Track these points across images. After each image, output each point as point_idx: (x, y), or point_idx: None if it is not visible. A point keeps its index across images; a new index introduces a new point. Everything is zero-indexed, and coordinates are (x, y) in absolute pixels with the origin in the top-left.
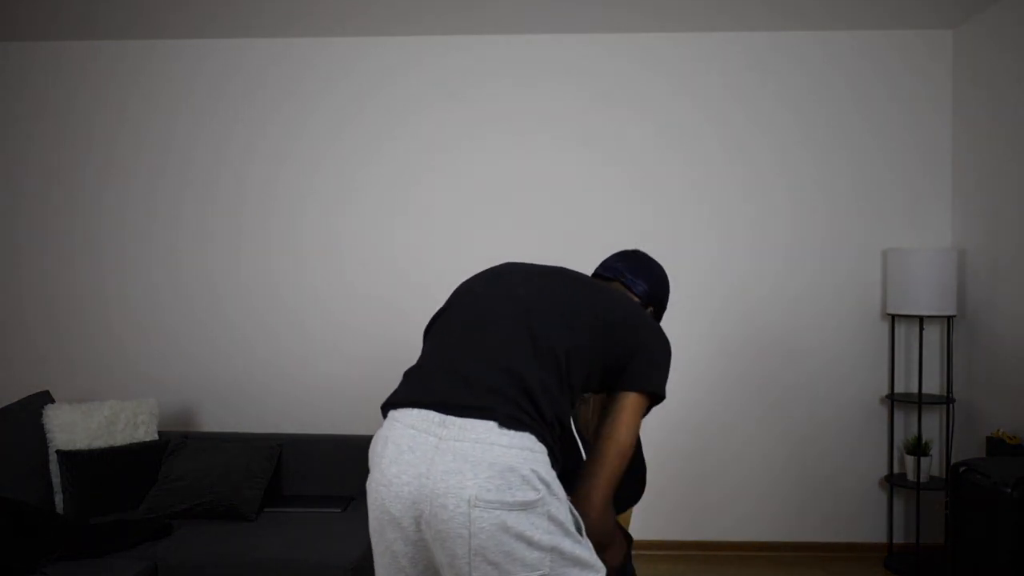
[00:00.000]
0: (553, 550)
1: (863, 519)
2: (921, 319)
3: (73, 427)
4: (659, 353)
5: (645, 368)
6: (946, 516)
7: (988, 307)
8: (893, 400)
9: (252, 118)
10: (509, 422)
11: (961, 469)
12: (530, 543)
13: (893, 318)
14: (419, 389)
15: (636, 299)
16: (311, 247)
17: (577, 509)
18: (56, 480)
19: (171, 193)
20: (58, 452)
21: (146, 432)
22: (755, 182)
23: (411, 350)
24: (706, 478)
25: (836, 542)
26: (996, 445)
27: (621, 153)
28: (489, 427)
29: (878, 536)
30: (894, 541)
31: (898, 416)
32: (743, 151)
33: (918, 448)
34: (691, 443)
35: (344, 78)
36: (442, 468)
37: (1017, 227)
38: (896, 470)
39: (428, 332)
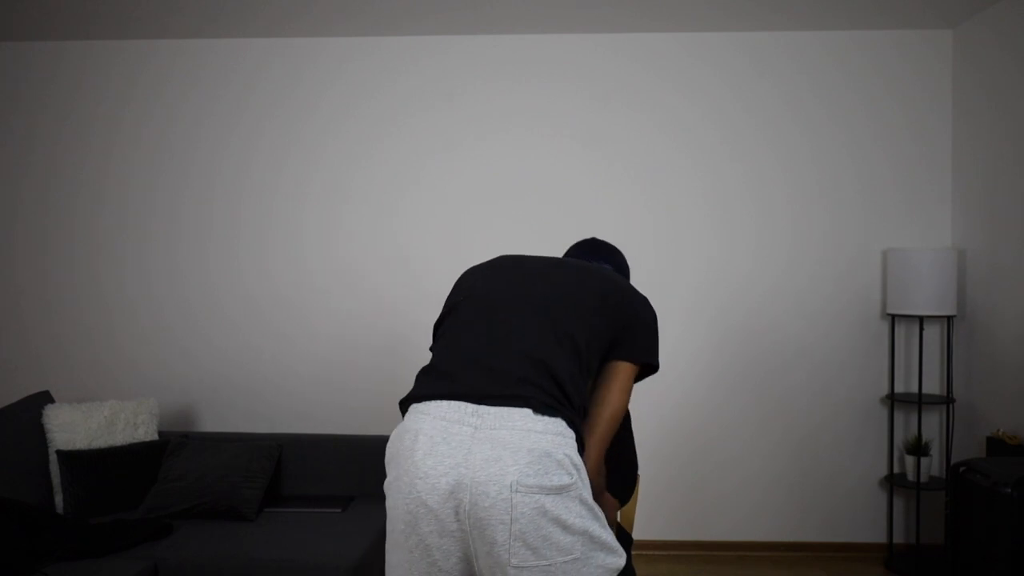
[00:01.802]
0: (584, 534)
1: (863, 519)
2: (921, 319)
3: (73, 427)
4: (652, 324)
5: (640, 340)
6: (946, 516)
7: (988, 307)
8: (893, 400)
9: (251, 118)
10: (543, 408)
11: (961, 469)
12: (564, 527)
13: (893, 318)
14: (446, 382)
15: None
16: (310, 247)
17: None
18: (56, 480)
19: (170, 193)
20: (58, 452)
21: (146, 432)
22: (756, 182)
23: (412, 351)
24: (706, 478)
25: (836, 542)
26: (996, 445)
27: (621, 153)
28: (525, 414)
29: (878, 536)
30: (894, 541)
31: (898, 416)
32: (743, 151)
33: (918, 448)
34: (691, 443)
35: (343, 77)
36: (481, 456)
37: (1017, 227)
38: (896, 470)
39: (438, 330)
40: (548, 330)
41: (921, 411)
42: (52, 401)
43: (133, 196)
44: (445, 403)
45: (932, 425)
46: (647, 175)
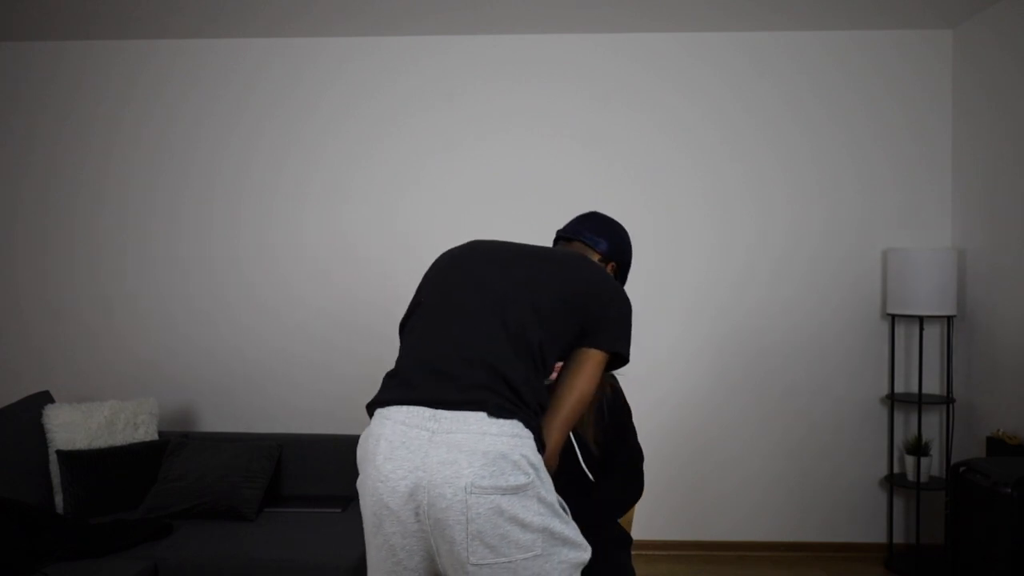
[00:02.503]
0: (544, 531)
1: (863, 519)
2: (921, 319)
3: (73, 427)
4: (623, 315)
5: (610, 330)
6: (946, 516)
7: (988, 307)
8: (893, 400)
9: (251, 118)
10: (498, 411)
11: (961, 469)
12: (523, 525)
13: (893, 318)
14: (406, 387)
15: (597, 256)
16: (311, 247)
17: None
18: (56, 480)
19: (170, 193)
20: (58, 452)
21: (146, 432)
22: (756, 182)
23: None
24: (706, 478)
25: (836, 542)
26: (996, 445)
27: (621, 153)
28: (480, 418)
29: (878, 536)
30: (894, 541)
31: (898, 416)
32: (743, 151)
33: (918, 448)
34: (691, 443)
35: (343, 77)
36: (437, 460)
37: (1017, 227)
38: (896, 470)
39: (404, 329)
40: (502, 334)
41: (921, 411)
42: (52, 401)
43: (133, 196)
44: (405, 408)
45: (932, 425)
46: (647, 175)
